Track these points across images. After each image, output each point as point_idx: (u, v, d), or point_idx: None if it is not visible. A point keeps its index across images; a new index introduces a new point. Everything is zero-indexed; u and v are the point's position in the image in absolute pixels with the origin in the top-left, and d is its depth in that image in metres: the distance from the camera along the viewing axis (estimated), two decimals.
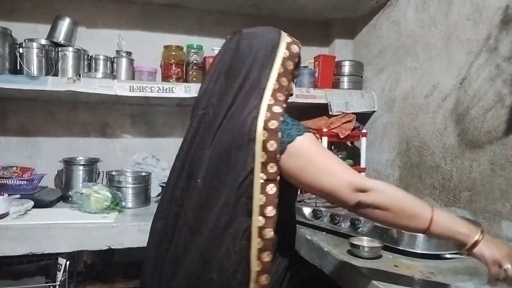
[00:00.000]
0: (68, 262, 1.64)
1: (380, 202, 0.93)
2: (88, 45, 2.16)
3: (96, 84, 1.89)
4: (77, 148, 2.24)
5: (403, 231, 1.26)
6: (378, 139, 2.20)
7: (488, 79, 1.52)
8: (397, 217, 0.93)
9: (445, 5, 1.74)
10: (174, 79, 2.11)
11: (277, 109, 0.99)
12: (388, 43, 2.14)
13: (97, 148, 2.28)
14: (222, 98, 1.04)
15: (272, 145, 0.94)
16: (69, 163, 2.05)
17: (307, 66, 2.34)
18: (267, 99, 1.00)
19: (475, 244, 0.90)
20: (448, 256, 1.23)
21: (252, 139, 0.94)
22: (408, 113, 1.96)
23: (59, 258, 1.63)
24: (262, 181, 0.94)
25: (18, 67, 1.90)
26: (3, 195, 1.62)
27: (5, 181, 1.85)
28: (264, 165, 0.94)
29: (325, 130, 2.08)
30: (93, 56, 2.10)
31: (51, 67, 1.96)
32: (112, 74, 2.08)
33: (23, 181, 1.89)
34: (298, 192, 1.17)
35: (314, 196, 1.81)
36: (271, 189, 0.95)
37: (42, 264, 1.73)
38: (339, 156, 2.20)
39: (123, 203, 1.87)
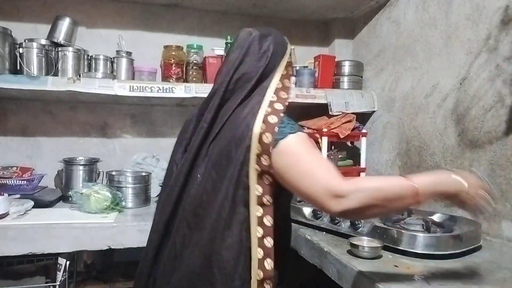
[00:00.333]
0: (68, 262, 1.64)
1: (364, 202, 0.92)
2: (88, 45, 2.16)
3: (96, 84, 1.89)
4: (77, 148, 2.24)
5: (403, 231, 1.26)
6: (378, 139, 2.20)
7: (488, 79, 1.52)
8: (387, 206, 0.94)
9: (445, 5, 1.74)
10: (174, 79, 2.12)
11: (279, 106, 1.01)
12: (388, 43, 2.14)
13: (97, 148, 2.28)
14: (231, 97, 1.07)
15: (267, 138, 0.96)
16: (69, 163, 2.05)
17: (307, 66, 2.34)
18: (270, 95, 1.03)
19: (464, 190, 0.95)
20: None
21: (251, 131, 0.97)
22: (408, 113, 1.96)
23: (59, 258, 1.63)
24: (257, 172, 0.96)
25: (18, 67, 1.90)
26: (3, 195, 1.62)
27: (5, 181, 1.85)
28: (258, 156, 0.96)
29: (325, 130, 2.08)
30: (93, 56, 2.10)
31: (51, 67, 1.96)
32: (112, 74, 2.08)
33: (23, 181, 1.89)
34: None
35: None
36: (267, 179, 0.97)
37: (42, 264, 1.74)
38: (339, 156, 2.21)
39: (123, 203, 1.87)
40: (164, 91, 1.97)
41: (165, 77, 2.15)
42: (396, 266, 1.15)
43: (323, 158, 1.03)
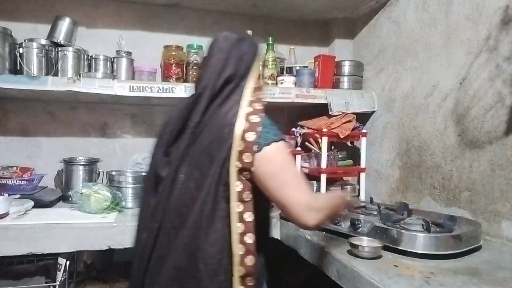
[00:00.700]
0: (68, 262, 1.64)
1: (326, 214, 1.08)
2: (88, 45, 2.16)
3: (96, 84, 1.89)
4: (77, 148, 2.24)
5: (403, 231, 1.27)
6: (378, 139, 2.20)
7: (488, 79, 1.52)
8: (332, 215, 1.20)
9: (445, 5, 1.74)
10: (174, 79, 2.12)
11: (259, 106, 1.08)
12: (388, 43, 2.14)
13: (97, 148, 2.28)
14: (215, 100, 1.09)
15: (250, 136, 1.00)
16: (69, 163, 2.05)
17: (307, 66, 2.34)
18: (248, 95, 1.09)
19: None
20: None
21: (233, 129, 1.01)
22: (408, 113, 1.96)
23: (59, 258, 1.63)
24: (237, 168, 1.00)
25: (18, 67, 1.90)
26: (3, 195, 1.62)
27: (5, 181, 1.85)
28: (240, 153, 1.00)
29: (325, 130, 2.08)
30: (93, 56, 2.10)
31: (51, 67, 1.96)
32: (112, 74, 2.08)
33: (23, 181, 1.89)
34: None
35: None
36: (246, 176, 1.01)
37: (42, 264, 1.74)
38: (339, 156, 2.21)
39: (123, 203, 1.87)
40: (164, 91, 1.97)
41: (165, 77, 2.15)
42: (396, 266, 1.15)
43: (299, 171, 1.10)
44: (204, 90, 1.10)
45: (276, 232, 1.73)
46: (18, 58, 1.89)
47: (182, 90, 1.99)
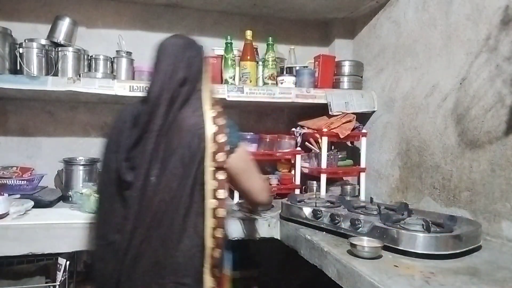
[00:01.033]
0: (68, 262, 1.64)
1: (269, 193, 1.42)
2: (88, 45, 2.16)
3: (96, 84, 1.89)
4: (77, 148, 2.24)
5: (403, 231, 1.27)
6: (378, 139, 2.20)
7: (488, 79, 1.52)
8: None
9: (445, 5, 1.74)
10: None
11: (219, 108, 1.20)
12: (388, 43, 2.14)
13: (97, 148, 2.24)
14: (174, 103, 1.16)
15: (221, 138, 1.14)
16: (69, 163, 2.05)
17: (307, 66, 2.34)
18: (207, 99, 1.20)
19: None
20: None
21: (204, 133, 1.12)
22: (408, 113, 1.96)
23: (59, 258, 1.63)
24: (212, 168, 1.13)
25: (18, 67, 1.90)
26: (3, 195, 1.61)
27: (5, 181, 1.85)
28: (214, 154, 1.13)
29: (325, 130, 2.08)
30: (93, 56, 2.10)
31: (51, 67, 1.96)
32: (112, 74, 2.08)
33: (23, 181, 1.89)
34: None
35: (314, 196, 1.82)
36: (221, 175, 1.15)
37: (42, 264, 1.73)
38: (339, 156, 2.21)
39: None
40: None
41: None
42: (396, 266, 1.15)
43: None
44: (160, 94, 1.16)
45: (276, 232, 1.73)
46: (18, 58, 1.89)
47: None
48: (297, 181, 2.19)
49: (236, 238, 1.69)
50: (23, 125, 2.19)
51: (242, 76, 2.15)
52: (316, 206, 1.62)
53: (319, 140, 2.11)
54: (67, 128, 2.25)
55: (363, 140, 2.19)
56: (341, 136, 2.09)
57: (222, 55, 2.16)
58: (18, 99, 2.16)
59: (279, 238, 1.72)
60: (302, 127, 2.28)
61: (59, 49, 1.98)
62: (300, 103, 2.17)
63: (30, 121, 2.20)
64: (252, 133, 2.23)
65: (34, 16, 2.16)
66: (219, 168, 1.14)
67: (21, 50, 1.89)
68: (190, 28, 2.38)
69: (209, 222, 1.12)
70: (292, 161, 2.26)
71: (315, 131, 2.16)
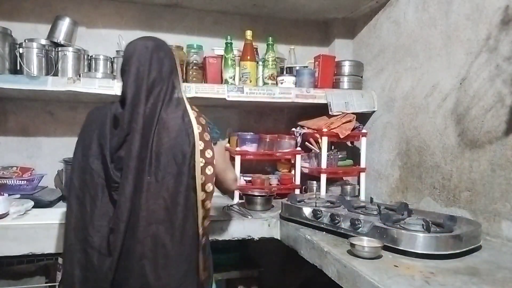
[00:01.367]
0: (62, 259, 1.63)
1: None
2: (88, 45, 2.16)
3: (96, 84, 1.89)
4: None
5: (403, 231, 1.27)
6: (378, 139, 2.20)
7: (488, 79, 1.52)
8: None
9: (445, 5, 1.74)
10: None
11: (196, 108, 1.31)
12: (388, 43, 2.14)
13: None
14: (150, 104, 1.22)
15: (207, 136, 1.27)
16: (69, 163, 2.03)
17: (307, 66, 2.34)
18: (186, 99, 1.30)
19: None
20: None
21: (192, 133, 1.22)
22: (408, 113, 1.96)
23: (59, 258, 1.63)
24: (202, 164, 1.24)
25: (18, 67, 1.90)
26: (3, 195, 1.62)
27: (5, 181, 1.85)
28: (202, 152, 1.24)
29: (325, 130, 2.08)
30: (93, 56, 2.10)
31: (51, 67, 1.96)
32: (112, 74, 2.08)
33: (23, 181, 1.89)
34: None
35: (314, 196, 1.82)
36: (209, 170, 1.26)
37: (42, 264, 1.73)
38: (339, 156, 2.21)
39: None
40: None
41: None
42: (396, 266, 1.15)
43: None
44: (136, 94, 1.21)
45: (276, 232, 1.73)
46: (18, 58, 1.89)
47: (183, 90, 1.98)
48: (297, 181, 2.19)
49: (236, 238, 1.69)
50: (23, 125, 2.19)
51: (242, 76, 2.15)
52: (316, 206, 1.62)
53: (319, 140, 2.11)
54: (67, 128, 2.24)
55: (363, 140, 2.19)
56: (341, 136, 2.09)
57: (222, 55, 2.16)
58: (18, 99, 2.16)
59: (279, 238, 1.72)
60: (302, 127, 2.28)
61: (59, 49, 1.98)
62: (300, 103, 2.17)
63: (30, 121, 2.20)
64: (252, 133, 2.23)
65: (34, 16, 2.16)
66: (207, 163, 1.25)
67: (21, 50, 1.89)
68: (190, 28, 2.38)
69: (200, 212, 1.25)
70: (292, 161, 2.26)
71: (315, 131, 2.16)
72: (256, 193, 1.96)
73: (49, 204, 1.87)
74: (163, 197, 1.18)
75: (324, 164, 2.09)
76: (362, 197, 2.16)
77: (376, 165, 2.20)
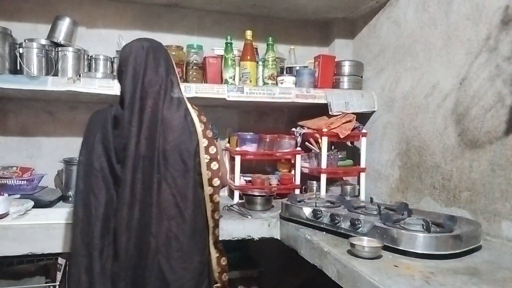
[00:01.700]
0: (68, 262, 1.64)
1: None
2: (88, 45, 2.16)
3: (96, 84, 1.89)
4: (77, 148, 2.19)
5: (403, 231, 1.27)
6: (378, 139, 2.20)
7: (488, 79, 1.52)
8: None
9: (445, 5, 1.74)
10: None
11: (196, 107, 1.35)
12: (388, 43, 2.14)
13: None
14: (146, 102, 1.25)
15: (209, 133, 1.31)
16: (69, 163, 2.05)
17: (307, 66, 2.34)
18: (185, 98, 1.35)
19: None
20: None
21: (195, 129, 1.28)
22: (408, 113, 1.96)
23: (59, 258, 1.63)
24: (207, 160, 1.30)
25: (18, 67, 1.90)
26: (3, 195, 1.62)
27: (5, 181, 1.85)
28: (206, 148, 1.30)
29: (325, 130, 2.08)
30: (93, 56, 2.10)
31: (51, 67, 1.96)
32: (112, 74, 2.08)
33: (23, 181, 1.89)
34: None
35: (314, 196, 1.82)
36: (214, 165, 1.31)
37: (42, 264, 1.73)
38: (339, 156, 2.21)
39: None
40: None
41: None
42: (396, 266, 1.15)
43: None
44: (134, 95, 1.25)
45: (276, 232, 1.73)
46: (18, 58, 1.89)
47: (182, 90, 1.98)
48: (297, 181, 2.19)
49: (236, 238, 1.69)
50: (23, 125, 2.19)
51: (242, 76, 2.15)
52: (316, 206, 1.62)
53: (319, 140, 2.11)
54: (67, 128, 2.24)
55: (363, 140, 2.19)
56: (341, 136, 2.09)
57: (222, 55, 2.16)
58: (18, 99, 2.16)
59: (279, 238, 1.72)
60: (302, 127, 2.28)
61: (59, 49, 1.98)
62: (300, 103, 2.17)
63: (30, 121, 2.20)
64: (252, 133, 2.23)
65: (34, 16, 2.16)
66: (212, 159, 1.30)
67: (21, 50, 1.89)
68: (190, 28, 2.38)
69: (209, 206, 1.32)
70: (292, 161, 2.26)
71: (315, 131, 2.16)
72: (256, 193, 1.96)
73: (49, 204, 1.87)
74: (172, 194, 1.24)
75: (324, 164, 2.09)
76: (362, 197, 2.16)
77: (376, 165, 2.20)
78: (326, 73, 2.29)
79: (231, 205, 1.90)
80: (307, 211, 1.59)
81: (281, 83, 2.22)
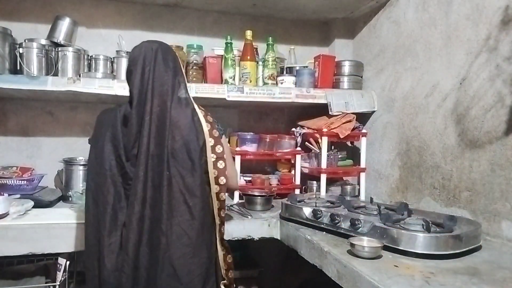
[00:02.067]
0: (68, 262, 1.64)
1: None
2: (88, 45, 2.16)
3: (96, 84, 1.89)
4: (77, 148, 2.24)
5: (403, 231, 1.27)
6: (378, 139, 2.20)
7: (488, 79, 1.52)
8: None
9: (445, 5, 1.74)
10: None
11: (202, 108, 1.38)
12: (388, 43, 2.14)
13: None
14: (154, 103, 1.28)
15: (215, 133, 1.35)
16: (69, 163, 2.05)
17: (307, 66, 2.34)
18: (192, 99, 1.37)
19: None
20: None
21: (201, 129, 1.31)
22: (408, 113, 1.96)
23: (59, 258, 1.63)
24: (213, 159, 1.33)
25: (18, 67, 1.90)
26: (3, 195, 1.61)
27: (5, 181, 1.85)
28: (213, 147, 1.33)
29: (325, 130, 2.08)
30: (93, 56, 2.10)
31: (51, 67, 1.96)
32: (112, 74, 2.08)
33: (23, 181, 1.89)
34: None
35: (314, 196, 1.82)
36: (221, 164, 1.34)
37: (42, 264, 1.73)
38: (339, 156, 2.21)
39: None
40: None
41: None
42: (396, 266, 1.15)
43: None
44: (142, 93, 1.28)
45: (276, 232, 1.73)
46: (18, 58, 1.89)
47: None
48: (297, 181, 2.19)
49: (236, 238, 1.69)
50: (23, 125, 2.19)
51: (242, 76, 2.15)
52: (316, 206, 1.62)
53: (319, 140, 2.11)
54: (67, 128, 2.25)
55: (363, 140, 2.19)
56: (341, 136, 2.09)
57: (222, 55, 2.16)
58: (18, 99, 2.16)
59: (279, 238, 1.72)
60: (302, 127, 2.28)
61: (59, 49, 1.98)
62: (300, 103, 2.18)
63: (30, 121, 2.20)
64: (252, 133, 2.23)
65: (34, 16, 2.16)
66: (218, 158, 1.33)
67: (21, 50, 1.89)
68: (190, 28, 2.38)
69: (215, 204, 1.35)
70: (292, 161, 2.26)
71: (315, 131, 2.16)
72: (256, 193, 1.95)
73: (49, 204, 1.87)
74: (181, 191, 1.26)
75: (324, 164, 2.09)
76: (362, 197, 2.16)
77: (376, 165, 2.20)
78: (326, 73, 2.29)
79: (231, 205, 1.90)
80: (307, 211, 1.59)
81: (281, 83, 2.22)
